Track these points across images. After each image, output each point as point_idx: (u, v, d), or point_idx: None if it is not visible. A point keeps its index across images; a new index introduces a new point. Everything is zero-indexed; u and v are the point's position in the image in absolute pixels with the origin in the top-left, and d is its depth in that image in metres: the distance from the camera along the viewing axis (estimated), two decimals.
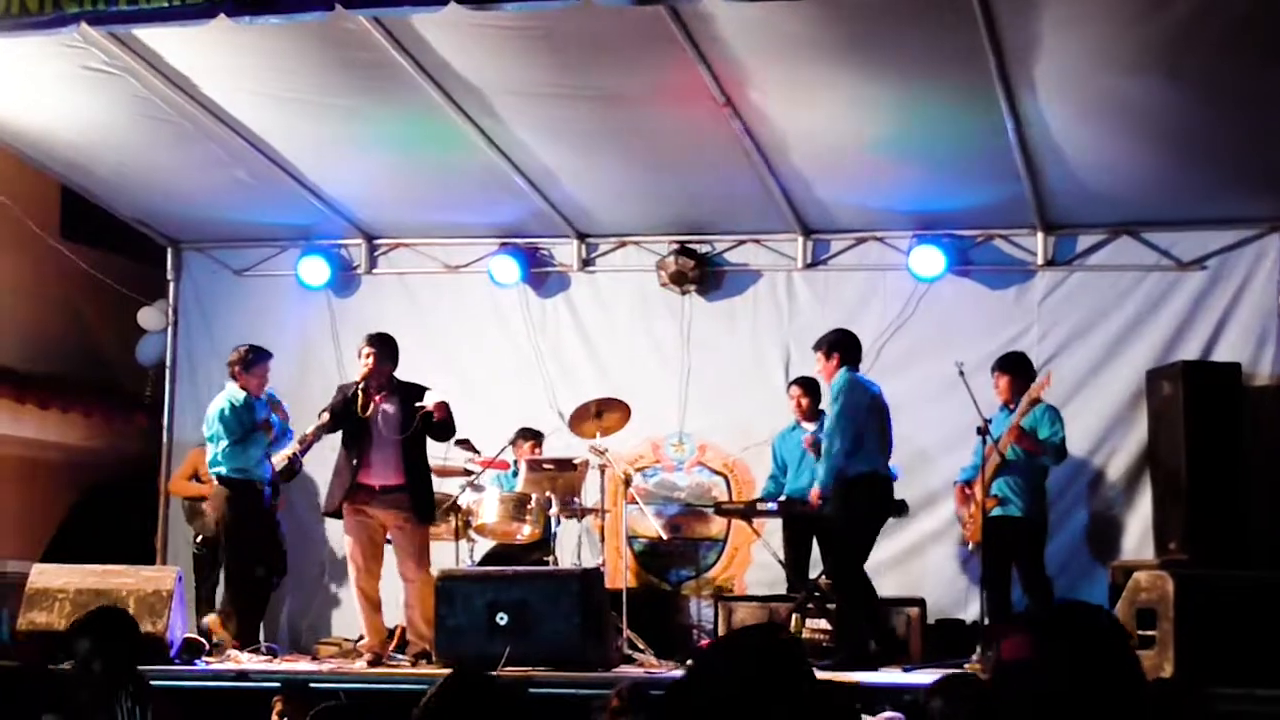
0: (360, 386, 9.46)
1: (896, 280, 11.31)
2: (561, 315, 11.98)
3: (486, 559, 10.55)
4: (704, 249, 11.68)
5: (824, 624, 9.82)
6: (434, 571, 9.53)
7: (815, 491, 9.93)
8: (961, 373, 9.52)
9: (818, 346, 9.71)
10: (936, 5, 8.11)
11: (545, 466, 10.58)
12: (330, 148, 10.79)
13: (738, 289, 11.71)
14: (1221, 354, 10.63)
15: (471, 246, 12.07)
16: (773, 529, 10.75)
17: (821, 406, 10.30)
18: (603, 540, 10.93)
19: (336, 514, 9.63)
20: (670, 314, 11.73)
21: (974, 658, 8.80)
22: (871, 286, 11.45)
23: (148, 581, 9.69)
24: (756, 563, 11.32)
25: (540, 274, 12.01)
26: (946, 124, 9.67)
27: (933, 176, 10.51)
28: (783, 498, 10.52)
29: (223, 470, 10.11)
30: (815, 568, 10.16)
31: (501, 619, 8.95)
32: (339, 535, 10.29)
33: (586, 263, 12.00)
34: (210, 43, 9.02)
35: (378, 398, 9.47)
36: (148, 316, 12.77)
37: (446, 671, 8.46)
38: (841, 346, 9.57)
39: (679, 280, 11.60)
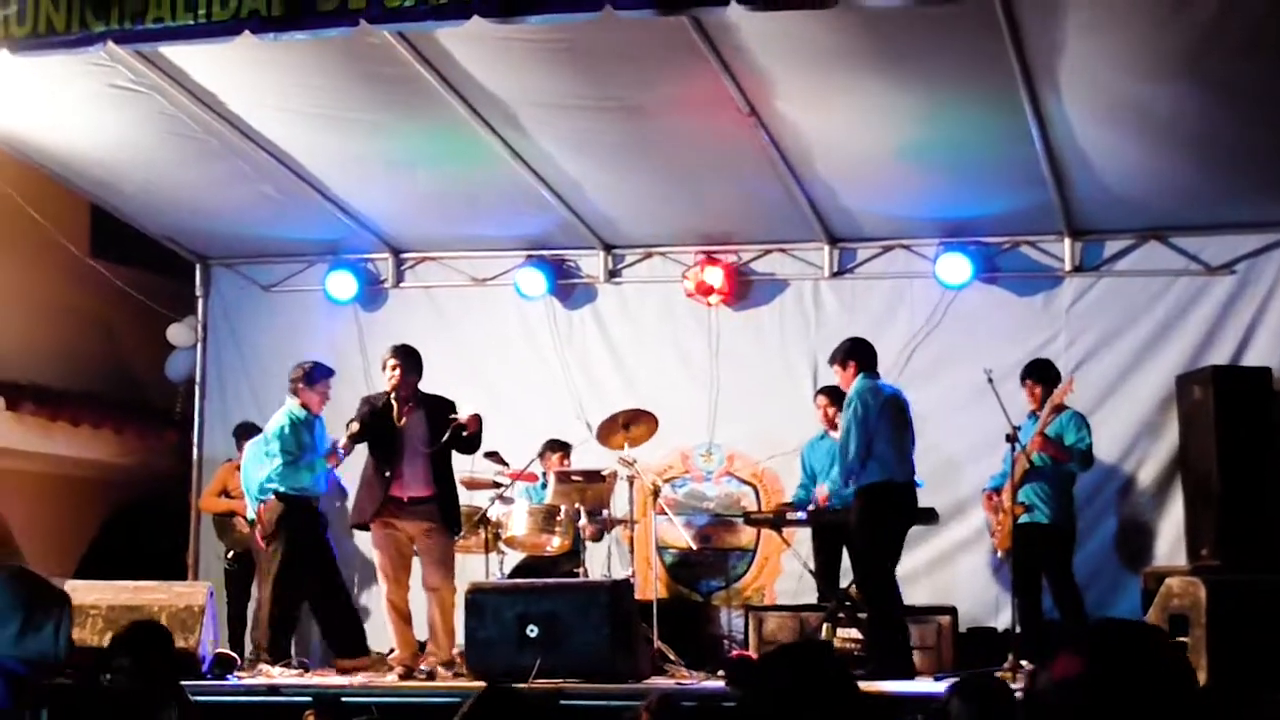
0: (391, 397, 9.46)
1: (923, 288, 11.30)
2: (588, 327, 11.99)
3: (516, 571, 10.56)
4: (730, 258, 11.67)
5: (855, 633, 9.79)
6: (464, 584, 9.52)
7: (823, 492, 9.94)
8: (990, 380, 9.46)
9: (832, 360, 9.68)
10: (960, 12, 8.08)
11: (574, 478, 10.59)
12: (356, 162, 10.83)
13: (764, 298, 11.71)
14: (1251, 358, 10.58)
15: (498, 259, 12.09)
16: (802, 538, 10.72)
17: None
18: (632, 551, 10.91)
19: (364, 526, 9.63)
20: (697, 324, 11.72)
21: (1005, 665, 8.76)
22: (898, 294, 11.43)
23: (179, 597, 9.72)
24: (786, 572, 11.30)
25: (567, 286, 12.03)
26: (972, 131, 9.65)
27: (959, 183, 10.49)
28: (812, 507, 10.50)
29: (279, 488, 9.98)
30: (846, 577, 10.12)
31: (532, 631, 8.95)
32: (369, 547, 10.29)
33: (613, 274, 12.02)
34: (236, 59, 9.07)
35: (406, 409, 9.48)
36: (177, 333, 12.83)
37: (476, 684, 8.48)
38: (855, 354, 9.53)
39: (705, 290, 11.59)
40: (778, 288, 11.70)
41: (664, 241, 11.81)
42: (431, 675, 9.34)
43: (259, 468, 10.41)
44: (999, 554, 10.15)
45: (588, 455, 11.04)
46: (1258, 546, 9.70)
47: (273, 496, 10.00)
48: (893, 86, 9.15)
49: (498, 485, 10.45)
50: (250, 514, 10.59)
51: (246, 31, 7.97)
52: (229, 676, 9.55)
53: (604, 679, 8.69)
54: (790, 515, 10.53)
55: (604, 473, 10.58)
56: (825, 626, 9.75)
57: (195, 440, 12.53)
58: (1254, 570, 9.24)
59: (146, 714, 5.77)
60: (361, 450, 9.79)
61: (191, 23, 7.99)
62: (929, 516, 10.03)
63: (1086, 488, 10.38)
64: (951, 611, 10.14)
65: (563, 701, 7.85)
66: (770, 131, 9.82)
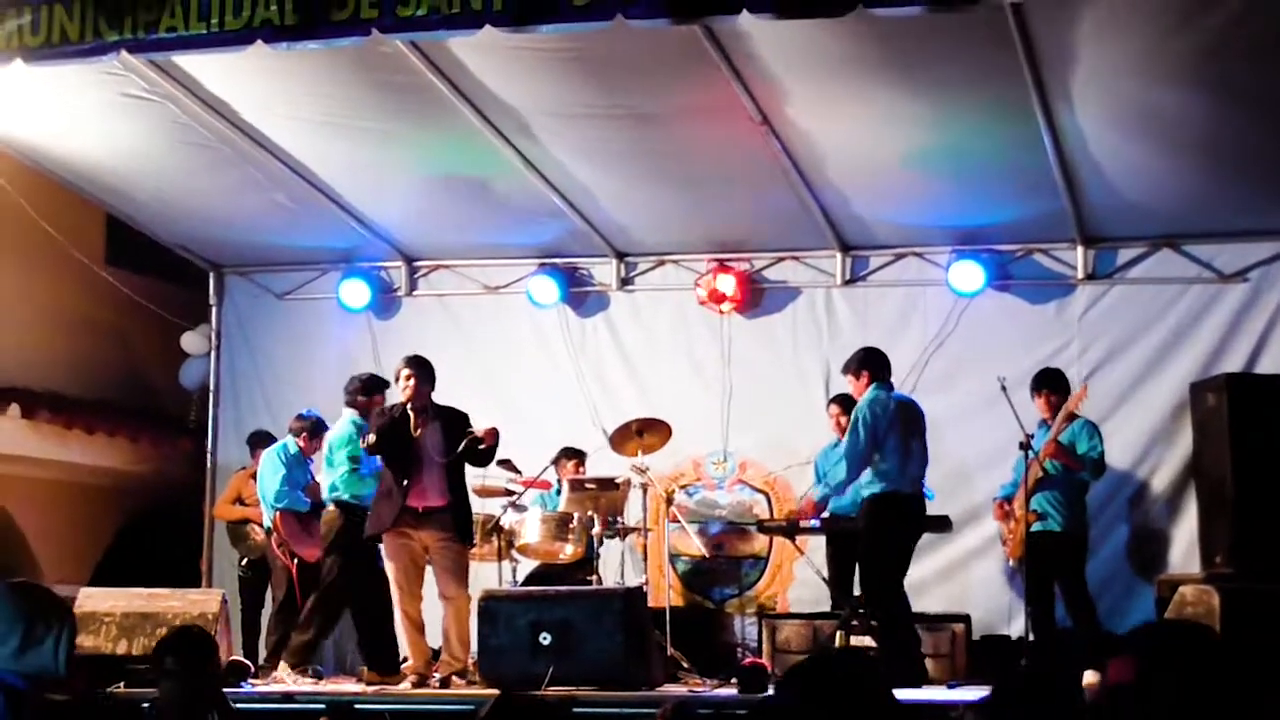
0: (407, 408, 9.43)
1: (936, 296, 11.29)
2: (601, 334, 12.01)
3: (530, 579, 10.56)
4: (743, 266, 11.68)
5: (868, 641, 9.78)
6: (477, 591, 9.53)
7: (811, 497, 9.98)
8: (1004, 387, 9.47)
9: (845, 369, 9.67)
10: (972, 21, 8.09)
11: (588, 486, 10.60)
12: (369, 171, 10.85)
13: (777, 306, 11.71)
14: (1265, 365, 10.57)
15: (511, 267, 12.11)
16: (815, 546, 10.72)
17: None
18: (645, 559, 10.92)
19: (378, 537, 9.61)
20: (709, 332, 11.73)
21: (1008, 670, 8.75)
22: (911, 302, 11.43)
23: (194, 604, 9.75)
24: (800, 580, 11.30)
25: (579, 294, 12.05)
26: (984, 139, 9.65)
27: (971, 191, 10.49)
28: (826, 514, 10.50)
29: (342, 496, 10.02)
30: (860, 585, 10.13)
31: (545, 639, 8.95)
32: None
33: (625, 282, 12.03)
34: (249, 68, 9.10)
35: (422, 420, 9.46)
36: (191, 341, 12.87)
37: (490, 692, 8.49)
38: (868, 364, 9.52)
39: (718, 299, 11.60)
40: (790, 295, 11.71)
41: (676, 249, 11.81)
42: (446, 684, 9.34)
43: (274, 475, 10.50)
44: (1011, 562, 10.15)
45: (601, 463, 11.04)
46: (1272, 554, 9.66)
47: (334, 505, 10.04)
48: (905, 94, 9.15)
49: (510, 493, 10.46)
50: (267, 521, 10.65)
51: (259, 41, 7.98)
52: (243, 684, 9.56)
53: (617, 686, 8.68)
54: (803, 523, 10.54)
55: (617, 480, 10.58)
56: (838, 634, 9.74)
57: (209, 448, 12.57)
58: (1268, 578, 9.21)
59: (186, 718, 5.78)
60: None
61: (204, 32, 8.01)
62: (942, 524, 10.02)
63: (1100, 495, 10.37)
64: (965, 619, 10.13)
65: (576, 709, 7.84)
66: (782, 139, 9.83)
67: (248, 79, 9.53)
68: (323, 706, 8.12)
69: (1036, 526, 9.56)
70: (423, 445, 9.37)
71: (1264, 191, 10.14)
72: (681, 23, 8.01)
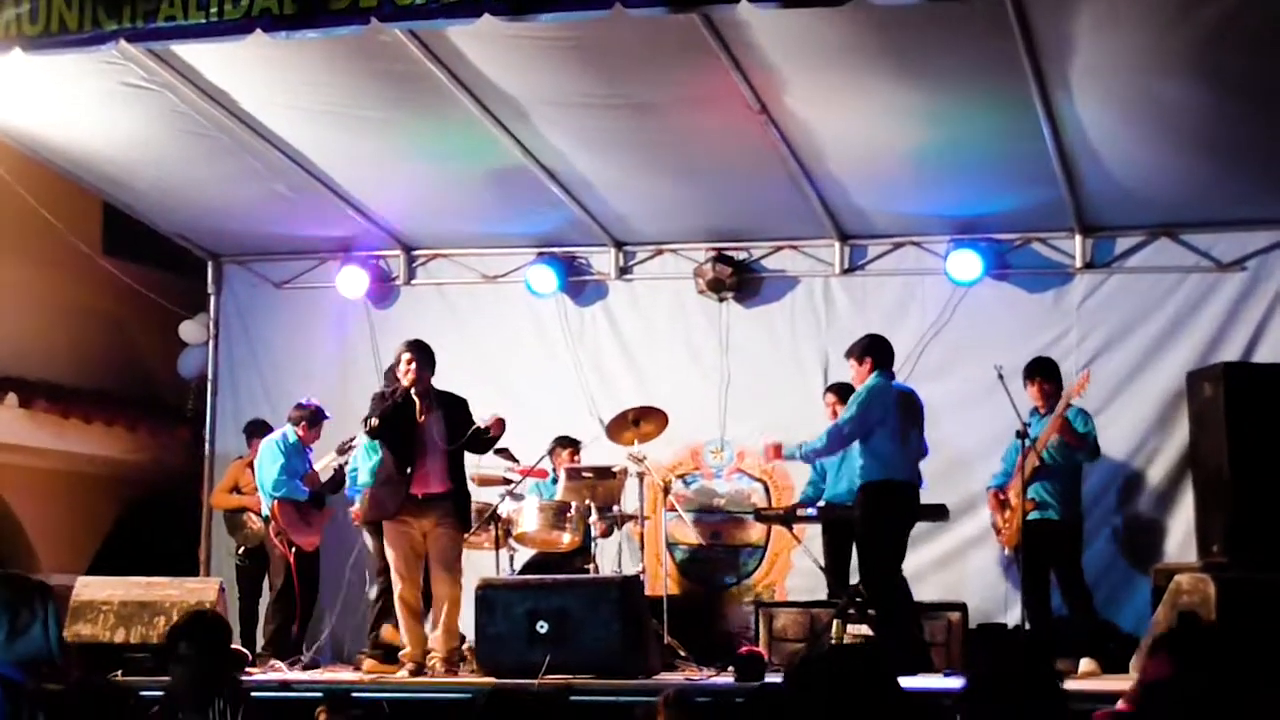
0: (410, 393, 9.39)
1: (934, 285, 11.30)
2: (599, 323, 12.01)
3: (527, 567, 10.57)
4: (741, 255, 11.69)
5: (865, 629, 9.79)
6: (474, 580, 9.52)
7: (774, 443, 9.91)
8: (1001, 376, 9.49)
9: (849, 354, 9.70)
10: (971, 10, 8.09)
11: (585, 474, 10.61)
12: (367, 160, 10.85)
13: (775, 295, 11.72)
14: (1263, 355, 10.58)
15: (509, 256, 12.12)
16: (813, 534, 10.74)
17: None
18: (643, 547, 10.93)
19: (378, 522, 9.62)
20: (708, 321, 11.74)
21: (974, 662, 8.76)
22: (909, 291, 11.44)
23: (191, 593, 9.76)
24: (797, 568, 11.31)
25: (578, 283, 12.05)
26: (983, 128, 9.65)
27: (969, 181, 10.49)
28: (822, 503, 10.53)
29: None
30: (856, 573, 10.14)
31: (542, 627, 8.95)
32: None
33: (624, 271, 12.04)
34: (247, 58, 9.09)
35: (425, 406, 9.44)
36: (189, 330, 12.87)
37: (486, 680, 8.51)
38: (873, 351, 9.55)
39: (716, 287, 11.61)
40: (788, 284, 11.71)
41: (675, 238, 11.82)
42: (419, 671, 9.30)
43: (272, 464, 10.52)
44: (1007, 551, 10.17)
45: (598, 451, 11.05)
46: (1268, 544, 9.66)
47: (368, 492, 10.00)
48: (904, 84, 9.15)
49: (508, 481, 10.47)
50: (265, 510, 10.67)
51: (258, 30, 7.98)
52: (240, 673, 9.57)
53: (614, 675, 8.68)
54: (800, 512, 10.56)
55: (614, 469, 10.60)
56: (835, 623, 9.75)
57: (207, 437, 12.58)
58: (1264, 567, 9.21)
59: (196, 703, 5.78)
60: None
61: (203, 21, 8.01)
62: (939, 513, 10.05)
63: (1096, 484, 10.39)
64: (961, 608, 10.13)
65: (573, 697, 7.85)
66: (781, 129, 9.83)
67: (246, 68, 9.53)
68: (320, 695, 8.12)
69: (1034, 515, 9.57)
70: (426, 431, 9.36)
71: (1262, 181, 10.14)
72: (680, 11, 8.02)
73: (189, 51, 9.28)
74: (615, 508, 10.58)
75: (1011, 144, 9.79)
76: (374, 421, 9.34)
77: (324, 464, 10.81)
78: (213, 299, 12.72)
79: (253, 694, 6.42)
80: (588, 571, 10.22)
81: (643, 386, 11.56)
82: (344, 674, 10.01)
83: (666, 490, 10.70)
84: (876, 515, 9.32)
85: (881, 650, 8.90)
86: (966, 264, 11.10)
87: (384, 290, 12.39)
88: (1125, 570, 10.66)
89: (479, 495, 10.21)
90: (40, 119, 10.46)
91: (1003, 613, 10.62)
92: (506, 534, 10.26)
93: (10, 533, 12.48)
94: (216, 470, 12.27)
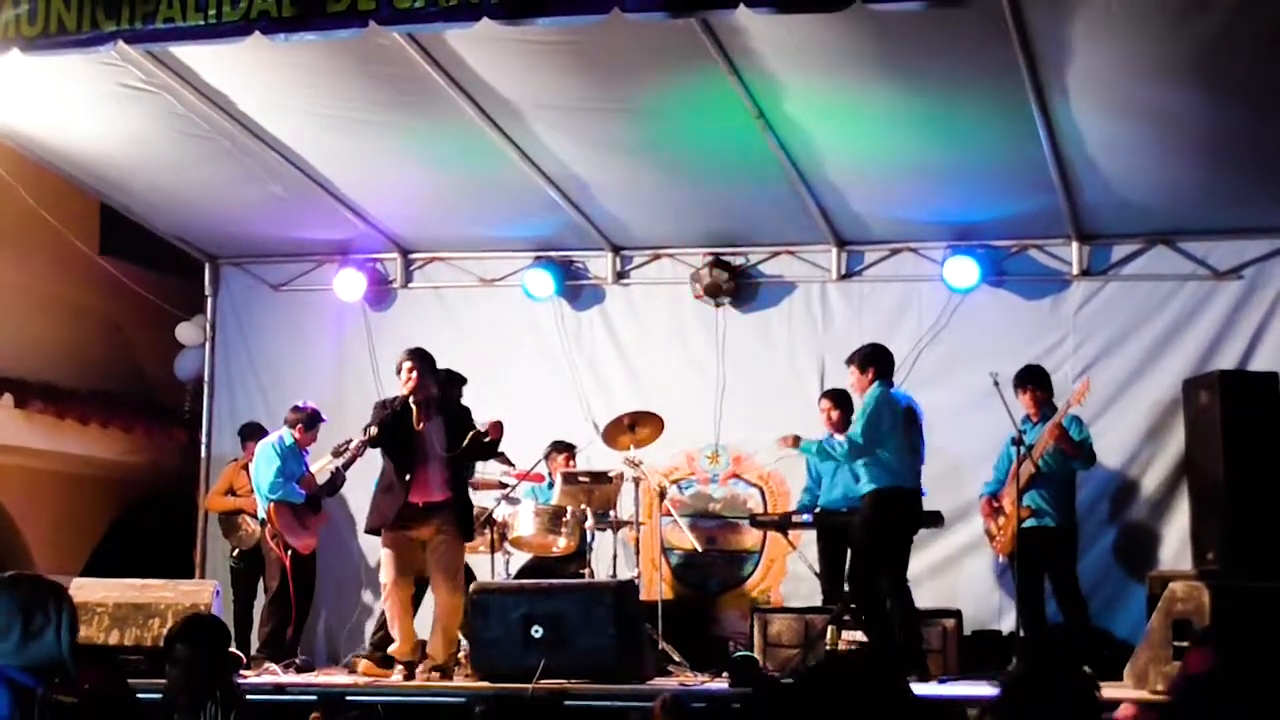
0: (409, 401, 9.37)
1: (931, 291, 11.31)
2: (596, 328, 12.01)
3: (523, 571, 10.57)
4: (738, 261, 11.69)
5: (859, 636, 9.79)
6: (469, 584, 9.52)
7: (790, 438, 9.85)
8: (996, 383, 9.51)
9: (850, 360, 9.69)
10: (968, 16, 8.09)
11: (581, 479, 10.61)
12: (365, 163, 10.85)
13: (772, 301, 11.72)
14: (1259, 363, 10.59)
15: (506, 260, 12.11)
16: (808, 541, 10.74)
17: (852, 419, 10.28)
18: (638, 552, 10.93)
19: (377, 531, 9.58)
20: (705, 326, 11.74)
21: (1009, 669, 8.77)
22: (906, 298, 11.44)
23: (186, 595, 9.75)
24: (792, 574, 11.31)
25: (575, 287, 12.05)
26: (980, 135, 9.66)
27: (966, 187, 10.50)
28: (818, 509, 10.53)
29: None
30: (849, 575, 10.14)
31: (537, 631, 8.95)
32: (374, 548, 10.30)
33: (621, 275, 12.03)
34: (246, 60, 9.09)
35: (424, 414, 9.41)
36: (186, 332, 12.86)
37: (481, 685, 8.50)
38: (876, 360, 9.55)
39: (713, 292, 11.62)
40: (785, 290, 11.71)
41: (672, 243, 11.82)
42: (411, 674, 9.28)
43: (269, 467, 10.52)
44: (1001, 558, 10.18)
45: (594, 456, 11.05)
46: (1263, 552, 9.69)
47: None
48: (901, 90, 9.16)
49: (504, 486, 10.48)
50: (260, 513, 10.67)
51: (257, 32, 7.98)
52: (234, 676, 9.56)
53: (609, 680, 8.69)
54: (796, 518, 10.57)
55: (610, 474, 10.60)
56: (830, 629, 9.75)
57: (204, 439, 12.57)
58: (1259, 575, 9.23)
59: (191, 704, 5.77)
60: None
61: (202, 23, 8.01)
62: (934, 520, 10.06)
63: (1092, 492, 10.40)
64: (956, 615, 10.14)
65: (567, 702, 7.86)
66: (778, 134, 9.83)
67: (245, 70, 9.53)
68: (314, 698, 8.12)
69: (1030, 523, 9.58)
70: (425, 439, 9.33)
71: (1259, 189, 10.16)
72: (678, 16, 8.02)
73: (187, 53, 9.28)
74: (611, 513, 10.58)
75: (1009, 151, 9.80)
76: (373, 430, 9.32)
77: (320, 467, 10.80)
78: (210, 301, 12.72)
79: (247, 697, 6.42)
80: (583, 576, 10.21)
81: (639, 391, 11.56)
82: (338, 677, 10.00)
83: (662, 495, 10.71)
84: (884, 522, 9.31)
85: (890, 656, 8.90)
86: (963, 270, 11.11)
87: (381, 293, 12.39)
88: (1120, 578, 10.66)
89: (475, 499, 10.18)
90: (38, 120, 10.45)
91: (997, 620, 10.63)
92: (502, 538, 10.26)
93: (5, 534, 12.47)
94: (212, 472, 12.26)
